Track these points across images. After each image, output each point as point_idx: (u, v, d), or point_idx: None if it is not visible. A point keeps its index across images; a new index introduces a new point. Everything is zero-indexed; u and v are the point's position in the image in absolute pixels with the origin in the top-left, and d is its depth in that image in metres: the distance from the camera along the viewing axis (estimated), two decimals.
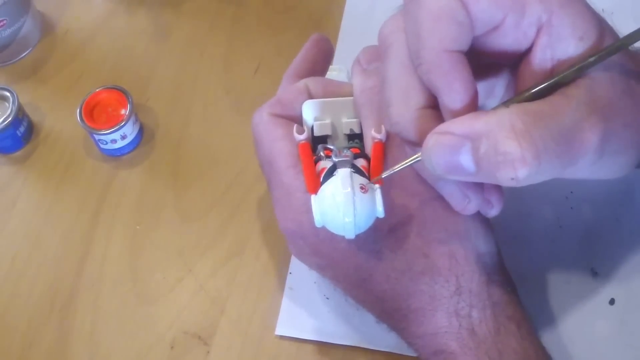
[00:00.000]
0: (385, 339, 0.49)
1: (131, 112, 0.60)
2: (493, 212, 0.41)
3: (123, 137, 0.60)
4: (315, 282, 0.53)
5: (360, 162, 0.43)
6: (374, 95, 0.45)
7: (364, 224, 0.40)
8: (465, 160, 0.35)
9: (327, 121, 0.46)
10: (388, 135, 0.44)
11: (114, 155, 0.62)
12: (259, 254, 0.56)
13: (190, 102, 0.65)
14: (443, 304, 0.42)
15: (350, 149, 0.44)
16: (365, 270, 0.44)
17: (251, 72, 0.66)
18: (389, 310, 0.44)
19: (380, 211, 0.40)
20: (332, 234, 0.41)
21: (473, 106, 0.37)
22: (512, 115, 0.34)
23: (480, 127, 0.35)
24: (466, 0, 0.36)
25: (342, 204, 0.39)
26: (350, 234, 0.40)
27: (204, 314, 0.54)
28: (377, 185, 0.41)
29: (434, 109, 0.38)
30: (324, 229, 0.42)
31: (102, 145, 0.61)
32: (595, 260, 0.52)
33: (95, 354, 0.53)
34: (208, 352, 0.53)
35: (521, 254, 0.51)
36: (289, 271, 0.54)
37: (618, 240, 0.52)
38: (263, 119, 0.47)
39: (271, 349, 0.52)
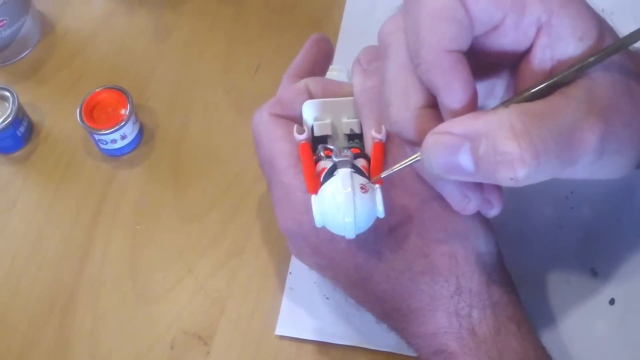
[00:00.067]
0: (385, 339, 0.49)
1: (131, 112, 0.60)
2: (493, 212, 0.41)
3: (123, 137, 0.60)
4: (315, 282, 0.53)
5: (361, 162, 0.43)
6: (374, 95, 0.45)
7: (364, 224, 0.40)
8: (465, 160, 0.35)
9: (327, 121, 0.46)
10: (388, 135, 0.44)
11: (114, 155, 0.62)
12: (259, 254, 0.56)
13: (190, 102, 0.65)
14: (443, 304, 0.42)
15: (351, 149, 0.44)
16: (365, 270, 0.44)
17: (251, 72, 0.66)
18: (389, 310, 0.44)
19: (380, 211, 0.40)
20: (332, 234, 0.41)
21: (472, 106, 0.37)
22: (511, 116, 0.34)
23: (479, 127, 0.35)
24: (466, 0, 0.36)
25: (342, 204, 0.39)
26: (350, 234, 0.40)
27: (204, 314, 0.54)
28: (377, 185, 0.41)
29: (434, 109, 0.38)
30: (324, 229, 0.42)
31: (102, 145, 0.61)
32: (595, 260, 0.52)
33: (95, 354, 0.53)
34: (208, 352, 0.53)
35: (521, 254, 0.51)
36: (289, 271, 0.54)
37: (618, 240, 0.52)
38: (263, 119, 0.47)
39: (271, 349, 0.52)
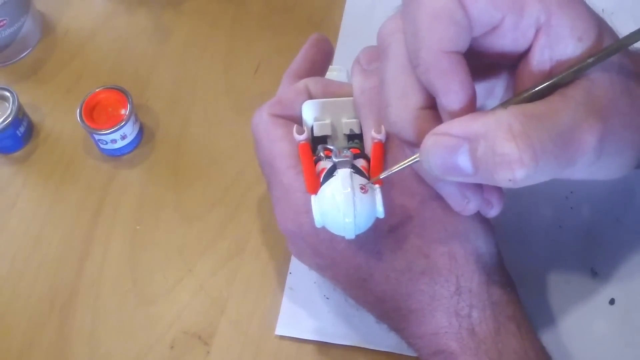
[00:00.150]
0: (385, 339, 0.49)
1: (131, 112, 0.60)
2: (493, 212, 0.41)
3: (123, 137, 0.60)
4: (315, 282, 0.53)
5: (360, 163, 0.43)
6: (373, 95, 0.44)
7: (364, 224, 0.40)
8: (463, 161, 0.35)
9: (327, 121, 0.46)
10: (388, 136, 0.44)
11: (114, 155, 0.62)
12: (259, 254, 0.56)
13: (190, 102, 0.65)
14: (443, 304, 0.42)
15: (350, 149, 0.44)
16: (365, 271, 0.44)
17: (251, 72, 0.66)
18: (389, 311, 0.44)
19: (380, 211, 0.40)
20: (332, 234, 0.41)
21: (471, 107, 0.36)
22: (510, 117, 0.34)
23: (478, 128, 0.35)
24: (465, 1, 0.36)
25: (342, 204, 0.39)
26: (350, 235, 0.40)
27: (204, 314, 0.54)
28: (377, 186, 0.41)
29: (433, 110, 0.38)
30: (324, 229, 0.42)
31: (102, 145, 0.61)
32: (595, 260, 0.52)
33: (95, 354, 0.53)
34: (208, 352, 0.53)
35: (521, 254, 0.51)
36: (289, 271, 0.54)
37: (618, 240, 0.52)
38: (263, 119, 0.47)
39: (271, 349, 0.52)
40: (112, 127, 0.59)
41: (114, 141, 0.60)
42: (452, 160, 0.35)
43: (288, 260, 0.55)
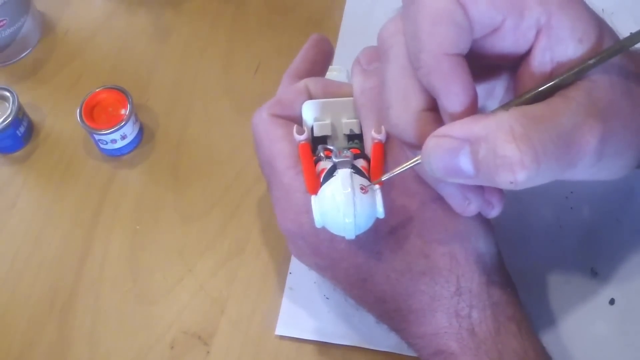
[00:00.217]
0: (385, 339, 0.50)
1: (131, 112, 0.60)
2: (493, 213, 0.41)
3: (123, 137, 0.60)
4: (315, 282, 0.53)
5: (360, 163, 0.43)
6: (373, 95, 0.44)
7: (364, 224, 0.40)
8: (465, 163, 0.35)
9: (327, 121, 0.46)
10: (388, 136, 0.44)
11: (114, 155, 0.62)
12: (259, 254, 0.56)
13: (190, 102, 0.65)
14: (443, 305, 0.42)
15: (350, 150, 0.44)
16: (366, 271, 0.44)
17: (251, 72, 0.66)
18: (389, 311, 0.44)
19: (380, 212, 0.40)
20: (332, 234, 0.41)
21: (473, 109, 0.36)
22: (511, 119, 0.34)
23: (479, 130, 0.35)
24: (465, 3, 0.35)
25: (342, 204, 0.39)
26: (350, 235, 0.40)
27: (204, 314, 0.54)
28: (377, 186, 0.41)
29: (434, 112, 0.38)
30: (324, 229, 0.42)
31: (102, 145, 0.61)
32: (595, 260, 0.52)
33: (95, 354, 0.53)
34: (208, 352, 0.53)
35: (521, 254, 0.51)
36: (289, 271, 0.54)
37: (618, 240, 0.53)
38: (263, 119, 0.47)
39: (271, 349, 0.52)
40: (112, 127, 0.59)
41: (114, 141, 0.60)
42: (453, 162, 0.35)
43: (288, 260, 0.55)
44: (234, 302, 0.54)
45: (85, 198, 0.60)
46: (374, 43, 0.42)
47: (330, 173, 0.41)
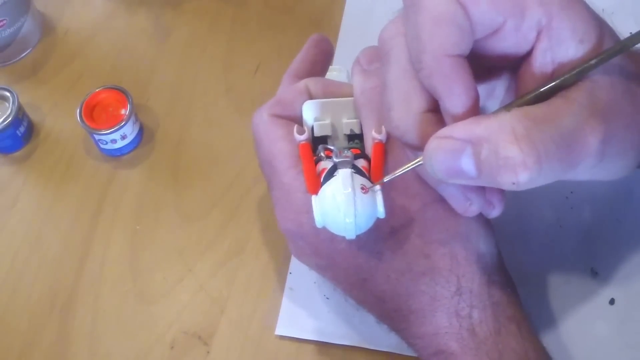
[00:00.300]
0: (385, 339, 0.50)
1: (131, 112, 0.60)
2: (494, 213, 0.41)
3: (123, 137, 0.60)
4: (315, 282, 0.53)
5: (361, 163, 0.43)
6: (374, 95, 0.44)
7: (365, 224, 0.40)
8: (467, 164, 0.35)
9: (327, 121, 0.46)
10: (388, 136, 0.44)
11: (114, 155, 0.62)
12: (259, 254, 0.56)
13: (190, 102, 0.65)
14: (443, 305, 0.42)
15: (351, 150, 0.44)
16: (366, 271, 0.44)
17: (251, 72, 0.66)
18: (389, 311, 0.44)
19: (381, 212, 0.40)
20: (333, 234, 0.41)
21: (474, 110, 0.36)
22: (513, 120, 0.34)
23: (481, 131, 0.35)
24: (466, 4, 0.36)
25: (343, 204, 0.39)
26: (350, 235, 0.40)
27: (204, 314, 0.54)
28: (378, 186, 0.41)
29: (435, 113, 0.38)
30: (324, 229, 0.42)
31: (102, 145, 0.61)
32: (595, 260, 0.52)
33: (95, 354, 0.53)
34: (208, 352, 0.53)
35: (521, 254, 0.51)
36: (289, 271, 0.54)
37: (618, 240, 0.53)
38: (263, 119, 0.47)
39: (271, 349, 0.52)
40: (112, 127, 0.59)
41: (114, 141, 0.60)
42: (455, 163, 0.35)
43: (288, 260, 0.55)
44: (234, 302, 0.54)
45: (85, 198, 0.60)
46: (374, 43, 0.42)
47: (331, 173, 0.41)
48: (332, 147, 0.44)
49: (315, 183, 0.42)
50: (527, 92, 0.36)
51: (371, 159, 0.44)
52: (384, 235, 0.43)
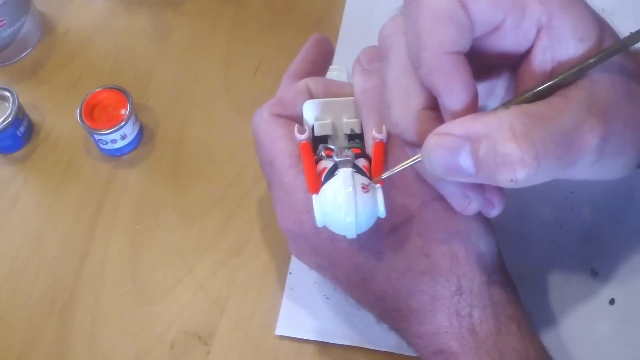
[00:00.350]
0: (385, 339, 0.50)
1: (131, 112, 0.60)
2: (494, 212, 0.41)
3: (123, 137, 0.60)
4: (315, 282, 0.53)
5: (361, 162, 0.43)
6: (374, 95, 0.44)
7: (366, 223, 0.40)
8: (465, 161, 0.35)
9: (328, 121, 0.46)
10: (389, 136, 0.44)
11: (114, 155, 0.62)
12: (259, 254, 0.56)
13: (190, 102, 0.65)
14: (444, 304, 0.42)
15: (351, 149, 0.44)
16: (366, 270, 0.44)
17: (251, 72, 0.66)
18: (390, 310, 0.44)
19: (381, 211, 0.40)
20: (333, 233, 0.41)
21: (473, 107, 0.37)
22: (511, 117, 0.34)
23: (479, 128, 0.35)
24: (466, 1, 0.36)
25: (343, 203, 0.39)
26: (351, 234, 0.40)
27: (204, 314, 0.54)
28: (378, 185, 0.41)
29: (434, 110, 0.38)
30: (324, 228, 0.42)
31: (102, 145, 0.61)
32: (595, 260, 0.52)
33: (95, 354, 0.53)
34: (208, 352, 0.53)
35: (521, 254, 0.51)
36: (289, 271, 0.54)
37: (618, 240, 0.53)
38: (264, 118, 0.47)
39: (271, 349, 0.52)
40: (112, 127, 0.59)
41: (114, 141, 0.60)
42: (453, 160, 0.35)
43: (288, 260, 0.55)
44: (234, 302, 0.54)
45: (85, 198, 0.60)
46: (374, 43, 0.42)
47: (332, 172, 0.41)
48: (332, 147, 0.44)
49: (316, 182, 0.42)
50: (527, 90, 0.36)
51: (372, 159, 0.44)
52: (384, 235, 0.43)
